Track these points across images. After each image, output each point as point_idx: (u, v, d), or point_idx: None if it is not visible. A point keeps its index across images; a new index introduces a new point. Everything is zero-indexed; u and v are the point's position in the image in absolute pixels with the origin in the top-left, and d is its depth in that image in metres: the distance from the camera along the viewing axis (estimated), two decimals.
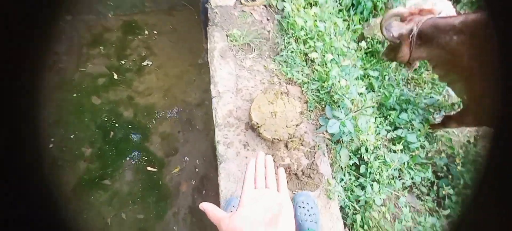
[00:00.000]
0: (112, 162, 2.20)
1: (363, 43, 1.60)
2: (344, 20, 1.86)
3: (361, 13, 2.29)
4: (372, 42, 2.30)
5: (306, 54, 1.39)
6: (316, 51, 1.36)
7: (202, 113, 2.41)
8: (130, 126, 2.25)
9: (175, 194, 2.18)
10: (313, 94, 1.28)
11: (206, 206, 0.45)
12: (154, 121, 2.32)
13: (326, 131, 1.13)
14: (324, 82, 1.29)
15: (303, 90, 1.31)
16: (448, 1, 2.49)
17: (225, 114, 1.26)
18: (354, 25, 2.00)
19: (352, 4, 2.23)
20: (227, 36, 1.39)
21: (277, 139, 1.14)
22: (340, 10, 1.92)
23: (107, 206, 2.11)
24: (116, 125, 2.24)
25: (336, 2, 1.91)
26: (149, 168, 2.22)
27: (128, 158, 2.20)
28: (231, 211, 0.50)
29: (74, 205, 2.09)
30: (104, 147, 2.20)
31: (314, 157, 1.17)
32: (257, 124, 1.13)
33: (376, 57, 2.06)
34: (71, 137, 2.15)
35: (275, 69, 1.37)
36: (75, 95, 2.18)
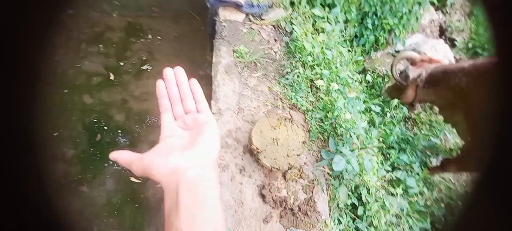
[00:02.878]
0: (94, 168, 2.05)
1: (368, 77, 1.59)
2: (348, 50, 1.88)
3: (363, 45, 2.34)
4: (373, 75, 2.33)
5: (312, 81, 1.36)
6: (322, 79, 1.33)
7: None
8: (119, 131, 2.13)
9: (155, 211, 2.02)
10: (316, 124, 1.23)
11: (115, 155, 0.40)
12: (144, 128, 2.21)
13: (328, 165, 1.07)
14: (328, 112, 1.25)
15: (306, 118, 1.26)
16: (445, 44, 2.59)
17: (224, 134, 1.19)
18: (356, 56, 2.02)
19: (355, 36, 2.28)
20: (233, 52, 1.34)
21: (276, 168, 1.06)
22: (344, 40, 1.94)
23: (79, 215, 1.93)
24: (105, 127, 2.11)
25: (342, 31, 1.93)
26: (132, 179, 2.07)
27: (111, 165, 2.06)
28: None
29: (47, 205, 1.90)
30: (88, 150, 2.06)
31: (312, 192, 1.09)
32: (257, 149, 1.06)
33: (376, 89, 2.07)
34: (54, 135, 2.01)
35: (280, 92, 1.32)
36: (66, 91, 2.07)
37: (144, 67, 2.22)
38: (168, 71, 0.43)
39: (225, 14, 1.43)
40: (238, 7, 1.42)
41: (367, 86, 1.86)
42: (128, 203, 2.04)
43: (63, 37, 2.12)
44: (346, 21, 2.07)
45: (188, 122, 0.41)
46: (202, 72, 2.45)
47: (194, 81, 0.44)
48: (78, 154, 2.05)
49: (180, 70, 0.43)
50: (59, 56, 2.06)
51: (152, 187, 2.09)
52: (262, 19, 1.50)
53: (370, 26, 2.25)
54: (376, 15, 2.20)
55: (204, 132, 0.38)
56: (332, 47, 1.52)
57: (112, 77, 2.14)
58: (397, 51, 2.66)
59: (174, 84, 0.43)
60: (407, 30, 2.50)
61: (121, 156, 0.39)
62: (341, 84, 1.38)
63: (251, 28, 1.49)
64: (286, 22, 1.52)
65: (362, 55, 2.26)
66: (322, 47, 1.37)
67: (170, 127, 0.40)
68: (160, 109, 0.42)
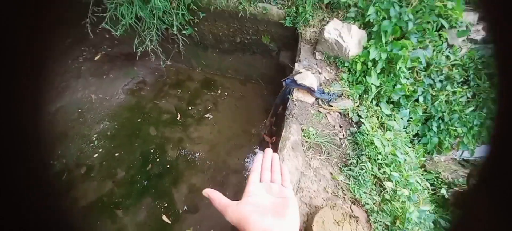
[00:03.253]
0: (135, 195, 2.13)
1: (443, 191, 1.45)
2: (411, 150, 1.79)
3: (425, 145, 2.21)
4: (436, 180, 2.11)
5: (378, 179, 1.29)
6: (390, 181, 1.26)
7: (237, 182, 2.31)
8: (168, 166, 2.26)
9: None
10: (382, 229, 1.11)
11: (212, 193, 0.43)
12: (188, 168, 2.30)
13: None
14: (396, 219, 1.13)
15: (369, 219, 1.16)
16: None
17: None
18: (417, 157, 1.90)
19: (417, 134, 2.19)
20: (302, 130, 1.41)
21: None
22: (408, 140, 1.88)
23: None
24: (157, 159, 2.27)
25: (406, 131, 1.89)
26: (164, 217, 2.07)
27: (150, 198, 2.11)
28: None
29: (77, 223, 1.97)
30: (136, 177, 2.19)
31: None
32: None
33: (439, 196, 1.83)
34: (116, 154, 2.23)
35: (342, 181, 1.28)
36: (139, 120, 2.38)
37: (207, 115, 2.46)
38: (269, 150, 0.53)
39: (298, 95, 1.58)
40: (310, 91, 1.56)
41: (433, 194, 1.68)
42: None
43: (154, 78, 2.58)
44: (409, 119, 2.05)
45: (274, 189, 0.46)
46: (254, 130, 2.59)
47: (285, 166, 0.53)
48: (127, 178, 2.19)
49: (276, 155, 0.54)
50: (145, 92, 2.47)
51: None
52: (330, 106, 1.59)
53: (434, 128, 2.17)
54: (443, 119, 2.14)
55: (290, 207, 0.43)
56: (399, 147, 1.48)
57: (179, 117, 2.41)
58: (465, 160, 2.42)
59: (269, 159, 0.52)
60: (477, 141, 2.32)
61: (217, 197, 0.43)
62: (410, 190, 1.28)
63: (319, 111, 1.58)
64: (353, 113, 1.58)
65: (423, 155, 2.13)
66: (393, 148, 1.35)
67: (256, 185, 0.46)
68: (251, 169, 0.50)
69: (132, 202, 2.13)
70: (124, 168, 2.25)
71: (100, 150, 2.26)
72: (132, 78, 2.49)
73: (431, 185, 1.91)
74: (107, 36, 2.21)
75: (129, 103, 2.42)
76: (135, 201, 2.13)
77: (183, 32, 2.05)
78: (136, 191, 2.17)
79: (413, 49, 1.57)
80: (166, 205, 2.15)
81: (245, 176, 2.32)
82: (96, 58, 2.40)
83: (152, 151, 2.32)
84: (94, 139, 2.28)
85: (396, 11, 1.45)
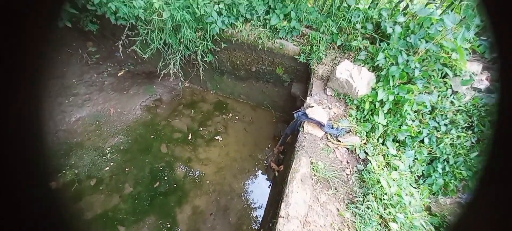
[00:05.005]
0: (140, 212, 2.15)
1: None
2: (417, 191, 1.81)
3: (431, 185, 2.22)
4: (441, 224, 2.09)
5: (383, 219, 1.32)
6: (395, 222, 1.28)
7: (241, 207, 2.32)
8: (174, 185, 2.30)
9: None
10: None
11: None
12: (193, 188, 2.33)
13: None
14: None
15: None
16: None
17: None
18: (423, 198, 1.91)
19: (422, 174, 2.21)
20: (311, 164, 1.47)
21: None
22: (413, 180, 1.90)
23: None
24: (165, 177, 2.32)
25: (410, 169, 1.93)
26: None
27: (153, 217, 2.13)
28: None
29: None
30: (143, 193, 2.22)
31: None
32: None
33: None
34: (126, 169, 2.29)
35: (348, 218, 1.31)
36: (152, 137, 2.47)
37: (217, 137, 2.54)
38: None
39: (308, 128, 1.66)
40: (320, 125, 1.64)
41: None
42: None
43: (170, 97, 2.71)
44: (415, 159, 2.09)
45: None
46: (261, 155, 2.64)
47: None
48: (134, 194, 2.23)
49: None
50: (161, 109, 2.59)
51: None
52: (338, 141, 1.66)
53: (439, 170, 2.19)
54: (448, 162, 2.17)
55: None
56: (404, 187, 1.52)
57: (189, 137, 2.49)
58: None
59: None
60: None
61: None
62: None
63: (327, 145, 1.65)
64: (360, 150, 1.64)
65: (429, 196, 2.13)
66: (398, 189, 1.39)
67: None
68: None
69: (135, 220, 2.15)
70: (132, 184, 2.30)
71: (112, 164, 2.33)
72: (150, 96, 2.63)
73: (436, 229, 1.90)
74: (133, 56, 2.37)
75: (144, 120, 2.53)
76: (139, 219, 2.15)
77: (205, 59, 2.21)
78: (141, 208, 2.20)
79: (419, 93, 1.67)
80: (168, 226, 2.16)
81: (249, 201, 2.33)
82: (119, 74, 2.56)
83: (161, 168, 2.38)
84: (107, 151, 2.36)
85: (403, 59, 1.57)
